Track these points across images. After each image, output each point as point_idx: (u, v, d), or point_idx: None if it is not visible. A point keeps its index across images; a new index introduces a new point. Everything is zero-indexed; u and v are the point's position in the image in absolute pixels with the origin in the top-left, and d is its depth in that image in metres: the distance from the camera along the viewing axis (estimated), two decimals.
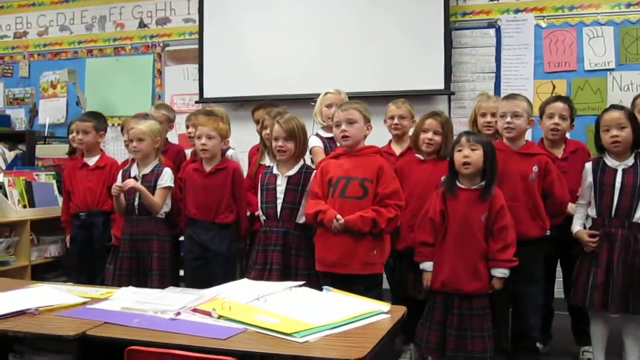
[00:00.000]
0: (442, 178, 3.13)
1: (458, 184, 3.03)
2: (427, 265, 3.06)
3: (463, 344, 2.90)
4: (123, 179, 3.65)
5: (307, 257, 3.23)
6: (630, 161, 3.15)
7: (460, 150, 2.99)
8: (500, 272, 2.96)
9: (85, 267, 4.08)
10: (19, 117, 6.39)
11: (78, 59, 6.17)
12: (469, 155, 2.95)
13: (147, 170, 3.65)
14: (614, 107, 3.30)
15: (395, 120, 3.71)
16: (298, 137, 3.28)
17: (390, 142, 3.80)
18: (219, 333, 1.85)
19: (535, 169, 3.20)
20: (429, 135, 3.36)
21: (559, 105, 3.54)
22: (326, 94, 3.86)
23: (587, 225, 3.33)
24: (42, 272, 4.62)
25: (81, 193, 4.10)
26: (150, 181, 3.61)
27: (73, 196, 4.16)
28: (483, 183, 2.99)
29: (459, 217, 2.97)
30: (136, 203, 3.60)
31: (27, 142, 5.90)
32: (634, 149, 3.18)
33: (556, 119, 3.52)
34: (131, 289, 2.44)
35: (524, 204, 3.19)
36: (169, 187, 3.63)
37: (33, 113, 6.33)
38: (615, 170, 3.16)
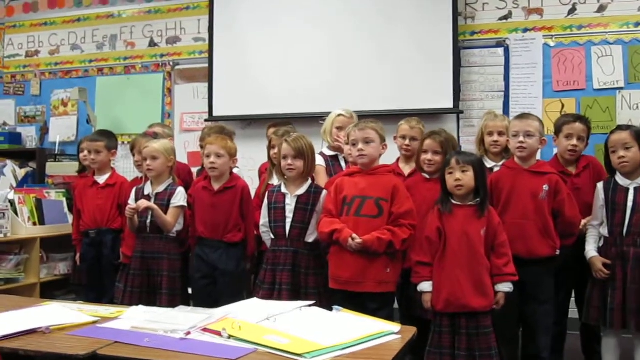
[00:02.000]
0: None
1: (453, 201, 3.03)
2: (426, 286, 3.01)
3: None
4: (136, 197, 3.68)
5: (316, 276, 3.24)
6: None
7: (451, 173, 2.99)
8: (507, 287, 2.95)
9: (94, 285, 4.09)
10: (29, 135, 6.42)
11: (89, 78, 6.21)
12: (461, 178, 2.96)
13: (160, 188, 3.67)
14: (620, 127, 3.31)
15: (407, 142, 3.67)
16: (307, 155, 3.29)
17: (398, 160, 3.78)
18: (229, 353, 1.84)
19: (545, 187, 3.20)
20: (429, 156, 3.37)
21: (579, 126, 3.54)
22: (339, 115, 3.85)
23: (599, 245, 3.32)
24: (51, 290, 4.63)
25: (91, 211, 4.13)
26: (164, 200, 3.63)
27: (83, 214, 4.19)
28: (478, 199, 2.99)
29: (458, 232, 2.95)
30: (148, 221, 3.61)
31: (38, 159, 5.95)
32: None
33: (574, 141, 3.52)
34: (141, 308, 2.44)
35: (534, 223, 3.18)
36: (182, 207, 3.65)
37: (44, 131, 6.37)
38: (627, 189, 3.16)
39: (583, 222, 3.35)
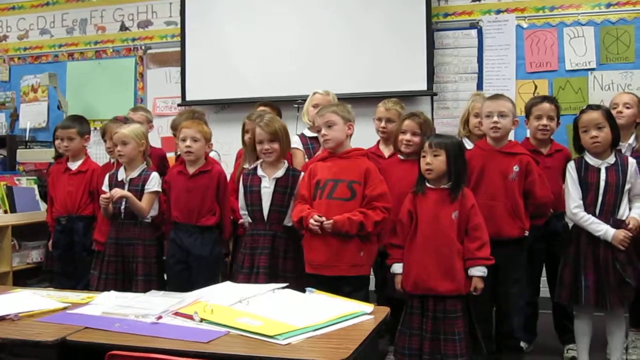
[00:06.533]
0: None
1: (427, 184, 3.04)
2: (396, 267, 3.04)
3: (437, 347, 2.89)
4: (110, 183, 3.64)
5: (294, 260, 3.24)
6: (611, 159, 3.18)
7: (424, 156, 3.01)
8: (480, 271, 2.94)
9: (68, 272, 4.05)
10: None
11: (59, 63, 6.12)
12: (431, 162, 2.97)
13: (134, 174, 3.62)
14: (591, 107, 3.31)
15: (382, 124, 3.66)
16: (281, 137, 3.28)
17: (378, 142, 3.77)
18: (201, 336, 1.84)
19: (515, 168, 3.21)
20: (407, 136, 3.36)
21: (547, 106, 3.57)
22: (314, 94, 3.86)
23: (570, 224, 3.35)
24: (24, 278, 4.59)
25: (62, 198, 4.08)
26: (138, 185, 3.59)
27: (55, 201, 4.14)
28: (451, 183, 3.00)
29: (428, 215, 2.96)
30: (122, 207, 3.57)
31: (8, 146, 5.84)
32: (614, 147, 3.21)
33: (544, 121, 3.55)
34: (113, 293, 2.42)
35: (503, 204, 3.19)
36: (156, 192, 3.61)
37: (14, 117, 6.27)
38: (599, 169, 3.18)
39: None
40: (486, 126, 3.31)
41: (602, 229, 3.12)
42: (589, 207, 3.19)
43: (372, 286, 3.34)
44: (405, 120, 3.41)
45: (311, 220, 2.98)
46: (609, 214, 3.15)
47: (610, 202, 3.15)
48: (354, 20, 5.11)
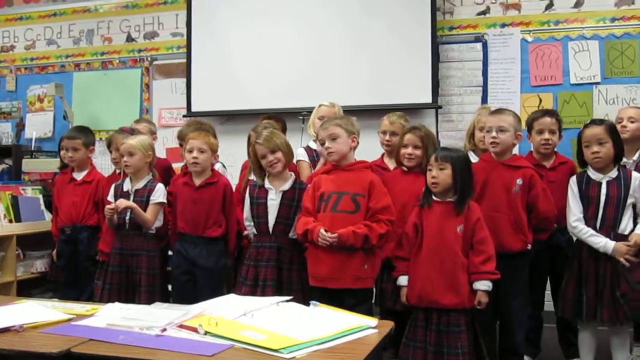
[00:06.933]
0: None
1: (434, 197, 3.04)
2: (402, 280, 3.05)
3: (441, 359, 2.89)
4: (115, 194, 3.66)
5: (300, 272, 3.24)
6: (613, 173, 3.18)
7: (430, 170, 3.02)
8: (484, 285, 2.93)
9: (72, 282, 4.06)
10: (5, 131, 6.34)
11: (65, 73, 6.16)
12: (437, 175, 2.98)
13: (140, 185, 3.64)
14: (594, 122, 3.31)
15: (387, 137, 3.68)
16: (283, 148, 3.30)
17: (382, 155, 3.79)
18: (205, 349, 1.83)
19: (519, 181, 3.20)
20: (409, 150, 3.37)
21: (548, 120, 3.56)
22: (320, 106, 3.87)
23: (574, 238, 3.35)
24: (28, 288, 4.58)
25: (67, 207, 4.10)
26: (143, 196, 3.60)
27: (60, 211, 4.17)
28: (457, 196, 3.00)
29: (433, 228, 2.97)
30: (127, 218, 3.58)
31: (14, 156, 5.87)
32: (617, 161, 3.21)
33: (546, 135, 3.54)
34: (117, 304, 2.41)
35: (506, 217, 3.19)
36: (161, 203, 3.62)
37: (20, 127, 6.30)
38: (600, 183, 3.18)
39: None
40: (487, 141, 3.32)
41: (601, 242, 3.13)
42: (589, 221, 3.19)
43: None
44: (406, 134, 3.42)
45: (320, 240, 2.99)
46: (610, 228, 3.15)
47: (611, 215, 3.15)
48: (359, 33, 5.13)
